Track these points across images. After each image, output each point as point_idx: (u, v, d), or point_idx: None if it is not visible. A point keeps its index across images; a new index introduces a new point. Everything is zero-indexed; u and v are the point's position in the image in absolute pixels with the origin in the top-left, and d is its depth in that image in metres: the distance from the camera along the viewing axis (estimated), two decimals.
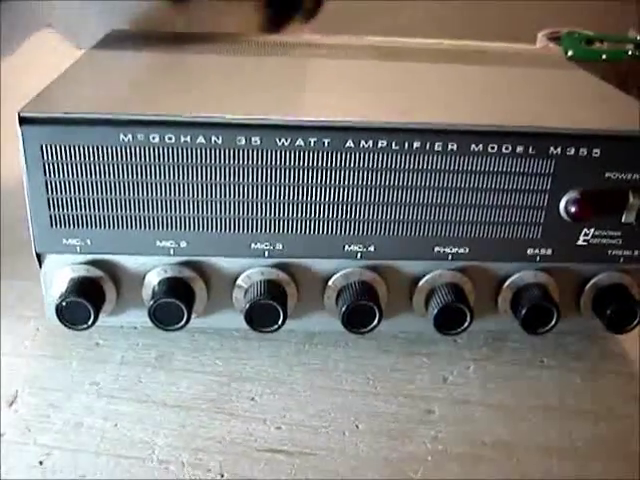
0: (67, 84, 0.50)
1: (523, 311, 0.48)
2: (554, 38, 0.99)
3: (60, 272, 0.47)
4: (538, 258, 0.48)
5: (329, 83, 0.54)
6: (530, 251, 0.48)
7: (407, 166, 0.44)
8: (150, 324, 0.47)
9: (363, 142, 0.44)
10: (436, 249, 0.47)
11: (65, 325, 0.46)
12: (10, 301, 0.54)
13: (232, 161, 0.44)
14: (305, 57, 0.61)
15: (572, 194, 0.46)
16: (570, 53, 0.93)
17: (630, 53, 0.92)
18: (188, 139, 0.43)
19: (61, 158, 0.43)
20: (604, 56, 0.92)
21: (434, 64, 0.61)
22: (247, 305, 0.46)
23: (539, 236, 0.47)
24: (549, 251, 0.48)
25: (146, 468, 0.41)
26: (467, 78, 0.58)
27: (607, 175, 0.46)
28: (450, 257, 0.48)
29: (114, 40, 0.63)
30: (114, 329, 0.51)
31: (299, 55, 0.62)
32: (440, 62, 0.62)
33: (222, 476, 0.41)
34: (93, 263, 0.47)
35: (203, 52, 0.60)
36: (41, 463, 0.41)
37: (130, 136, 0.43)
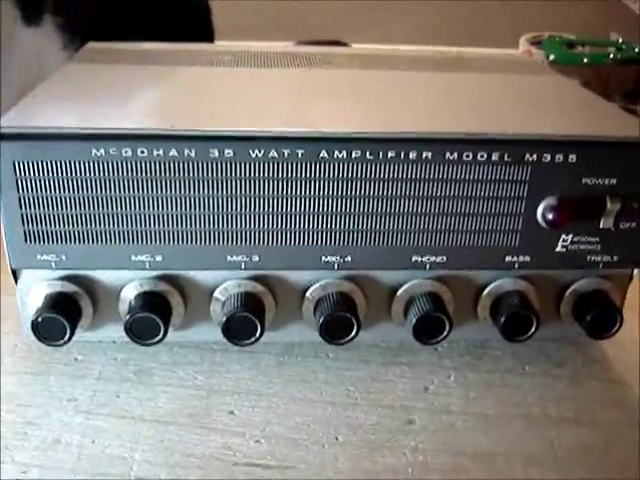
0: (43, 98, 0.49)
1: (502, 319, 0.48)
2: (536, 42, 0.99)
3: (36, 288, 0.47)
4: (517, 265, 0.48)
5: (302, 93, 0.54)
6: (508, 258, 0.48)
7: (382, 176, 0.44)
8: (128, 338, 0.47)
9: (337, 152, 0.43)
10: (414, 258, 0.47)
11: (41, 341, 0.46)
12: None
13: (206, 174, 0.44)
14: (282, 67, 0.61)
15: (549, 201, 0.46)
16: (552, 57, 0.93)
17: (612, 56, 0.92)
18: (161, 152, 0.43)
19: (34, 174, 0.43)
20: (586, 60, 0.92)
21: (412, 72, 0.61)
22: (224, 318, 0.46)
23: (517, 243, 0.47)
24: (527, 258, 0.48)
25: None
26: (445, 86, 0.58)
27: (584, 181, 0.45)
28: (428, 266, 0.47)
29: (90, 54, 0.63)
30: (93, 344, 0.51)
31: (277, 65, 0.61)
32: (418, 70, 0.62)
33: None
34: (69, 278, 0.47)
35: (177, 64, 0.60)
36: None
37: (102, 150, 0.43)
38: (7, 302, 0.54)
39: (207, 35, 1.05)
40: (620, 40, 0.96)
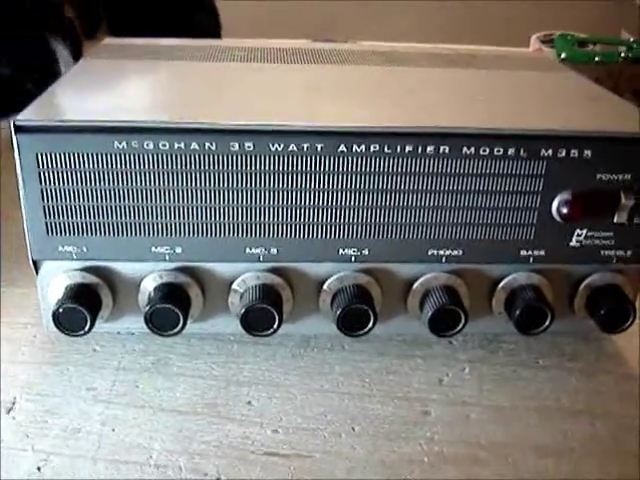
0: (63, 92, 0.50)
1: (517, 312, 0.48)
2: (547, 41, 0.99)
3: (56, 279, 0.47)
4: (531, 259, 0.48)
5: (320, 88, 0.54)
6: (523, 252, 0.48)
7: (400, 169, 0.45)
8: (147, 330, 0.47)
9: (356, 146, 0.44)
10: (430, 252, 0.48)
11: (62, 331, 0.47)
12: (8, 308, 0.54)
13: (226, 167, 0.44)
14: (299, 63, 0.61)
15: (564, 195, 0.46)
16: (563, 55, 0.93)
17: (623, 55, 0.92)
18: (182, 145, 0.43)
19: (56, 166, 0.44)
20: (597, 58, 0.92)
21: (427, 68, 0.61)
22: (243, 309, 0.47)
23: (532, 237, 0.47)
24: (542, 252, 0.48)
25: (144, 473, 0.41)
26: (459, 82, 0.58)
27: (598, 176, 0.46)
28: (444, 259, 0.48)
29: (109, 49, 0.64)
30: (111, 335, 0.51)
31: (293, 61, 0.62)
32: (433, 66, 0.62)
33: None
34: (89, 270, 0.47)
35: (193, 59, 0.61)
36: (39, 469, 0.41)
37: (124, 143, 0.43)
38: (26, 294, 0.55)
39: (215, 32, 1.07)
40: (631, 39, 0.96)
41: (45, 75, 0.73)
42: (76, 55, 0.77)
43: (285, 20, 1.56)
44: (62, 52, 0.74)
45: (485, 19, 1.60)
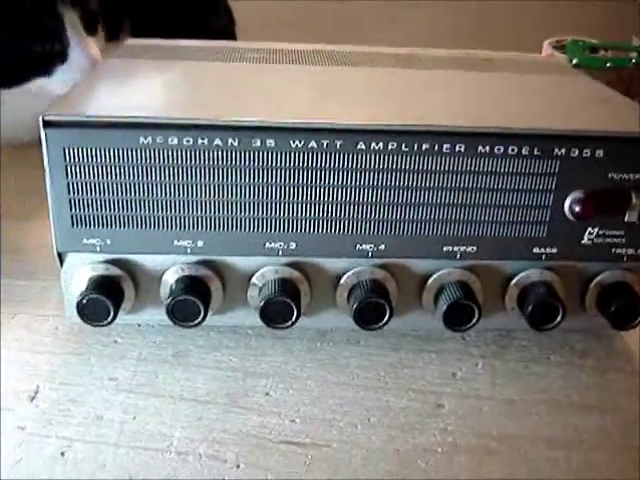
0: (89, 89, 0.51)
1: (529, 308, 0.49)
2: (559, 47, 1.00)
3: (80, 271, 0.49)
4: (544, 256, 0.49)
5: (340, 88, 0.56)
6: (536, 250, 0.49)
7: (416, 167, 0.46)
8: (167, 322, 0.48)
9: (374, 144, 0.45)
10: (445, 248, 0.49)
11: (85, 321, 0.48)
12: (30, 300, 0.56)
13: (248, 162, 0.45)
14: (317, 64, 0.63)
15: (576, 194, 0.47)
16: (575, 61, 0.94)
17: (634, 61, 0.93)
18: (205, 141, 0.45)
19: (83, 160, 0.45)
20: (608, 64, 0.93)
21: (443, 71, 0.62)
22: (262, 302, 0.48)
23: (545, 235, 0.48)
24: (554, 250, 0.49)
25: (164, 459, 0.42)
26: (474, 84, 0.59)
27: (610, 175, 0.47)
28: (458, 256, 0.49)
29: (132, 49, 0.65)
30: (132, 327, 0.53)
31: (310, 62, 0.63)
32: (449, 69, 0.63)
33: (238, 467, 0.42)
34: (112, 262, 0.48)
35: (213, 59, 0.62)
36: (63, 454, 0.42)
37: (150, 138, 0.44)
38: (48, 287, 0.56)
39: (230, 31, 1.08)
40: None
41: (52, 41, 0.75)
42: (90, 26, 0.78)
43: (299, 21, 1.57)
44: (71, 17, 0.75)
45: (496, 26, 1.61)
